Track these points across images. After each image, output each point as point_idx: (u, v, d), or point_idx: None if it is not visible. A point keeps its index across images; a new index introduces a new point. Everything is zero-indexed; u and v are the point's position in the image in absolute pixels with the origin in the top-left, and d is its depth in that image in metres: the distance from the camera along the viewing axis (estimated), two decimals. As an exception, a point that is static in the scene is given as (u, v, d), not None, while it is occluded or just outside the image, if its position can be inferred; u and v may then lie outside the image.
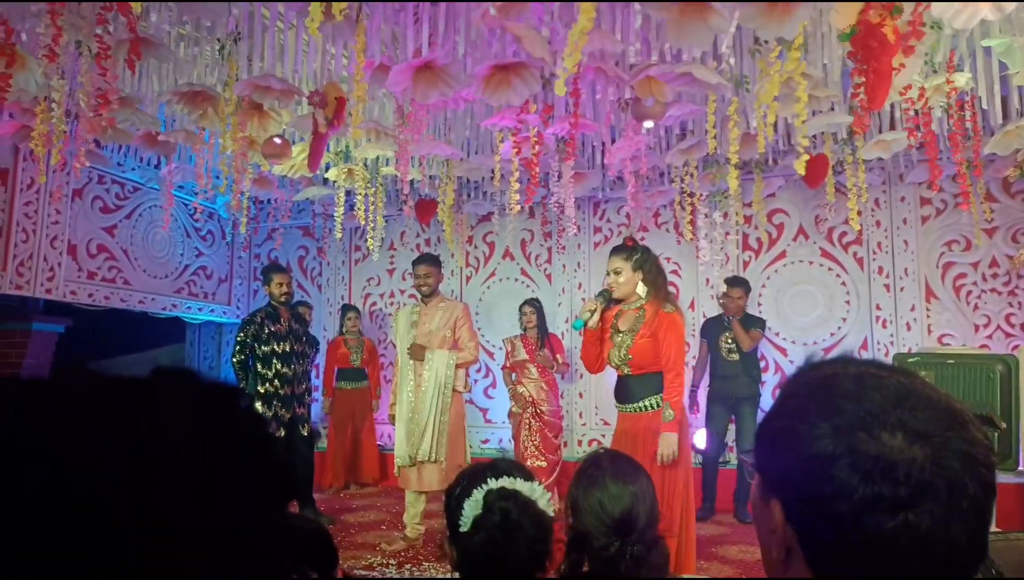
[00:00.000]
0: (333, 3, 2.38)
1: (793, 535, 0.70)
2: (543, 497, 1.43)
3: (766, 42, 3.56)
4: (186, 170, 5.45)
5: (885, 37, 2.50)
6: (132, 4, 2.18)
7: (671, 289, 6.67)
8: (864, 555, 0.65)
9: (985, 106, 4.05)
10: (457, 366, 4.73)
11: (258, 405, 5.25)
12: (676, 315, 3.28)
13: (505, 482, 1.40)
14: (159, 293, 6.86)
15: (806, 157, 2.87)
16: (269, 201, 7.20)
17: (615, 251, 3.46)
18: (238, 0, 3.43)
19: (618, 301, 3.45)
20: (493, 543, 1.34)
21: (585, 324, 3.36)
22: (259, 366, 5.31)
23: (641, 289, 3.38)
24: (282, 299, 5.39)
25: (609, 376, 3.67)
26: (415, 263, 4.96)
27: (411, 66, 2.75)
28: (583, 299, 6.71)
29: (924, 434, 0.66)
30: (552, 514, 1.45)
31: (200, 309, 7.40)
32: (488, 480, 1.40)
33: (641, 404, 3.32)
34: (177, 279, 7.11)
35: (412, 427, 4.64)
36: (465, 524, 1.38)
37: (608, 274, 3.45)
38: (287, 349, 5.32)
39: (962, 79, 3.53)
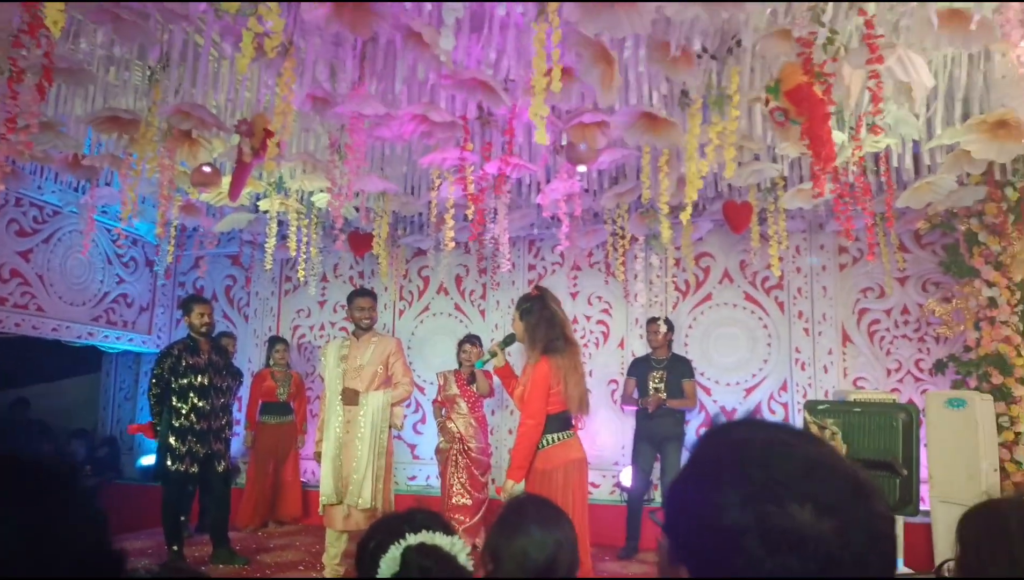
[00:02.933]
0: (265, 39, 2.37)
1: None
2: (463, 552, 1.40)
3: (692, 96, 3.69)
4: (110, 194, 5.28)
5: (817, 97, 2.61)
6: (48, 28, 2.11)
7: (602, 328, 6.76)
8: None
9: (896, 164, 4.30)
10: (393, 405, 4.68)
11: (171, 440, 5.06)
12: (538, 364, 3.42)
13: (424, 537, 1.37)
14: (75, 321, 6.57)
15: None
16: (196, 228, 7.02)
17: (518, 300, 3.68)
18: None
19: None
20: None
21: (484, 364, 3.58)
22: (174, 400, 5.12)
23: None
24: (202, 330, 5.24)
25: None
26: (357, 295, 4.91)
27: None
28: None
29: (831, 507, 0.66)
30: (471, 568, 1.42)
31: (118, 338, 7.11)
32: (406, 534, 1.37)
33: None
34: (95, 307, 6.83)
35: (339, 465, 4.55)
36: None
37: None
38: (205, 382, 5.16)
39: (883, 142, 3.72)
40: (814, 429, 2.32)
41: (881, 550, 0.67)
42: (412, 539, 1.35)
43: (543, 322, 3.51)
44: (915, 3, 2.85)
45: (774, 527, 0.65)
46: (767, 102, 2.66)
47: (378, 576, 1.34)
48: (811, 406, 2.47)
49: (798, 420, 6.14)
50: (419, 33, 2.61)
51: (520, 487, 3.37)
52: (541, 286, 3.69)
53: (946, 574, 1.22)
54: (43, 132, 3.89)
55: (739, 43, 2.96)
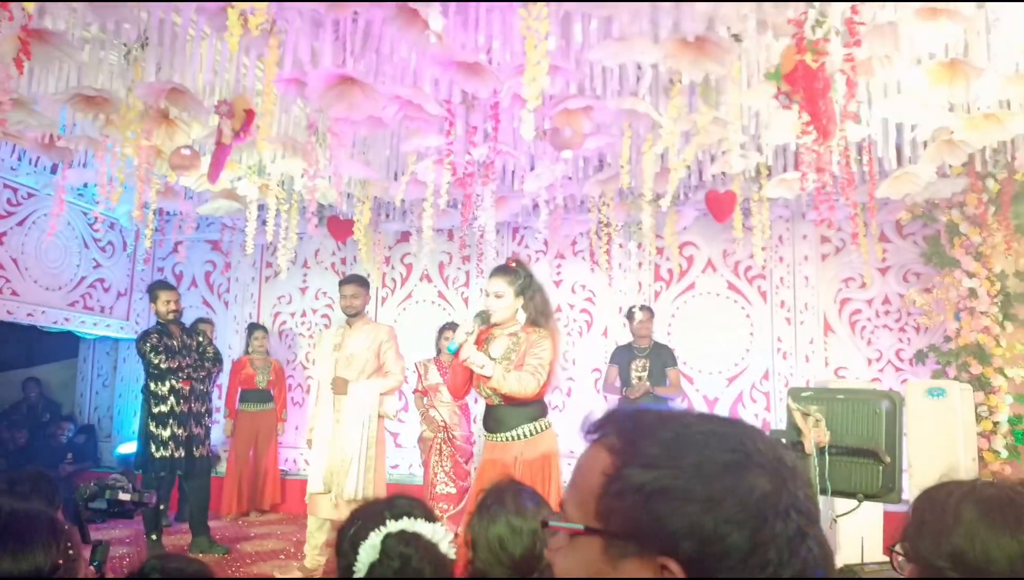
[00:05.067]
0: (249, 17, 2.31)
1: None
2: (445, 539, 1.36)
3: (679, 82, 3.68)
4: (83, 175, 5.17)
5: (824, 76, 2.61)
6: (25, 5, 2.06)
7: (585, 316, 6.77)
8: None
9: (880, 153, 4.30)
10: (383, 394, 4.63)
11: (152, 427, 4.98)
12: (547, 338, 3.16)
13: (405, 523, 1.33)
14: (50, 306, 6.45)
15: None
16: (174, 213, 6.92)
17: (497, 271, 3.26)
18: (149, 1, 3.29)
19: (493, 325, 3.27)
20: None
21: (460, 348, 3.15)
22: (152, 384, 5.05)
23: (520, 316, 3.22)
24: (169, 317, 5.16)
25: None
26: (342, 283, 4.86)
27: (330, 75, 2.70)
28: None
29: (791, 467, 0.68)
30: (454, 556, 1.39)
31: (95, 324, 7.00)
32: (387, 521, 1.33)
33: (514, 432, 3.16)
34: (72, 291, 6.71)
35: (333, 457, 4.49)
36: (360, 570, 1.30)
37: (488, 296, 3.25)
38: (181, 364, 5.09)
39: (858, 131, 3.72)
40: (798, 416, 2.32)
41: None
42: (393, 526, 1.32)
43: (540, 294, 3.26)
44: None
45: (780, 493, 0.66)
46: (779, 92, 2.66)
47: (357, 563, 1.31)
48: (795, 393, 2.46)
49: (779, 409, 6.17)
50: (412, 11, 2.57)
51: (469, 351, 3.08)
52: (518, 259, 3.38)
53: (899, 553, 1.22)
54: (16, 109, 3.79)
55: (736, 37, 2.95)
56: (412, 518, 1.35)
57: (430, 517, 1.39)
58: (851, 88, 2.80)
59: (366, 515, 1.38)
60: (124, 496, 2.19)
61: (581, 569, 0.70)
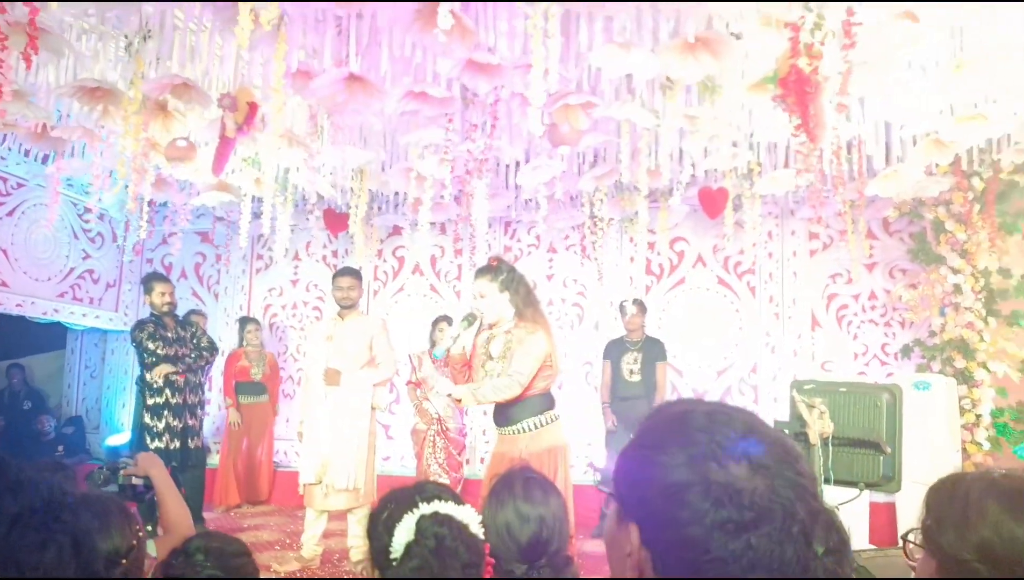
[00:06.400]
0: (261, 13, 2.33)
1: (647, 557, 0.77)
2: (474, 521, 1.41)
3: (671, 81, 3.73)
4: (76, 166, 5.14)
5: (817, 82, 2.68)
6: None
7: (577, 310, 6.83)
8: (711, 574, 0.72)
9: (870, 152, 4.39)
10: (375, 385, 4.66)
11: (147, 418, 4.99)
12: (536, 334, 3.19)
13: (437, 506, 1.38)
14: (40, 296, 6.41)
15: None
16: (165, 203, 6.88)
17: (479, 272, 3.30)
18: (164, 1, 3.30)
19: (491, 325, 3.30)
20: (427, 569, 1.31)
21: (447, 352, 3.22)
22: (148, 375, 5.06)
23: (509, 311, 3.25)
24: (164, 309, 5.16)
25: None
26: (338, 275, 4.85)
27: (336, 78, 2.75)
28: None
29: (764, 465, 0.74)
30: (483, 537, 1.44)
31: (84, 315, 6.96)
32: (419, 504, 1.38)
33: (520, 425, 3.21)
34: (61, 282, 6.67)
35: (320, 446, 4.52)
36: (396, 551, 1.35)
37: (474, 298, 3.29)
38: (178, 353, 5.10)
39: (848, 129, 3.80)
40: (802, 407, 2.39)
41: (807, 504, 0.75)
42: (425, 508, 1.37)
43: (531, 291, 3.29)
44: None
45: (715, 482, 0.73)
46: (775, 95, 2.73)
47: (392, 545, 1.35)
48: (798, 385, 2.53)
49: (767, 402, 6.27)
50: (428, 11, 2.60)
51: (446, 389, 3.26)
52: (498, 257, 3.40)
53: (911, 541, 1.30)
54: (14, 101, 3.78)
55: (736, 36, 3.01)
56: (442, 501, 1.40)
57: (458, 501, 1.44)
58: (844, 88, 2.87)
59: (397, 500, 1.43)
60: (137, 480, 2.21)
61: (612, 528, 0.85)
